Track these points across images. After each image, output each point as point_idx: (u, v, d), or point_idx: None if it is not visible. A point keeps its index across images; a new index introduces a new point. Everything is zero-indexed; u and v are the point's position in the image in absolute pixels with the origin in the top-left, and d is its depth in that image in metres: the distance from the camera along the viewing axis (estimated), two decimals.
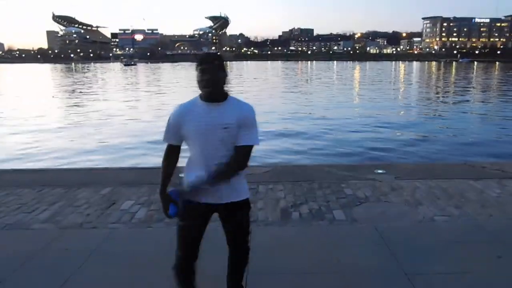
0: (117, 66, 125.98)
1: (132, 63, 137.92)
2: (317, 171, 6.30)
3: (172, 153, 2.45)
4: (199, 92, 2.33)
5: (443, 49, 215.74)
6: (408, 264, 3.31)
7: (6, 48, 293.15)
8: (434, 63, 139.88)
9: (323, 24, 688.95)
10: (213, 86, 2.26)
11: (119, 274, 3.25)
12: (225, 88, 2.35)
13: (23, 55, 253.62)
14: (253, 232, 2.59)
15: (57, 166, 9.02)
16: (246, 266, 2.65)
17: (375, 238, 3.83)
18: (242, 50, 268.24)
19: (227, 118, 2.27)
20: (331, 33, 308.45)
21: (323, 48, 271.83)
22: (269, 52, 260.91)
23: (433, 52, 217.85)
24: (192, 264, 2.49)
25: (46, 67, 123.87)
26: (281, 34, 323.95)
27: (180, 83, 44.21)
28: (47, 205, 4.86)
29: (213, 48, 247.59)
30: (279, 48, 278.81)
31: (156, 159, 10.51)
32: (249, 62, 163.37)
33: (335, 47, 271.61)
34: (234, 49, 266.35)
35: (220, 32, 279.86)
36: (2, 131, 14.65)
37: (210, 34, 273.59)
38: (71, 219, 4.41)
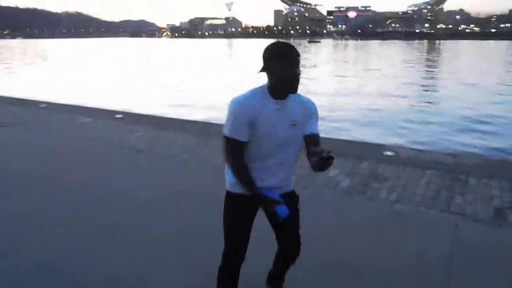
0: (304, 43, 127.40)
1: (315, 40, 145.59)
2: None
3: (241, 151, 1.96)
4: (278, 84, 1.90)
5: None
6: None
7: (243, 25, 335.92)
8: None
9: None
10: (298, 81, 1.94)
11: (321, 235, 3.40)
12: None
13: (255, 31, 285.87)
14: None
15: None
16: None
17: None
18: (459, 28, 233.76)
19: (294, 115, 1.99)
20: None
21: None
22: (492, 30, 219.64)
23: None
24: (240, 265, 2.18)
25: (270, 42, 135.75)
26: None
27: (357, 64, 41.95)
28: None
29: (426, 25, 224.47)
30: (507, 25, 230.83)
31: (360, 131, 10.43)
32: (465, 41, 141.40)
33: None
34: (450, 26, 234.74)
35: (437, 8, 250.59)
36: None
37: (425, 10, 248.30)
38: None
